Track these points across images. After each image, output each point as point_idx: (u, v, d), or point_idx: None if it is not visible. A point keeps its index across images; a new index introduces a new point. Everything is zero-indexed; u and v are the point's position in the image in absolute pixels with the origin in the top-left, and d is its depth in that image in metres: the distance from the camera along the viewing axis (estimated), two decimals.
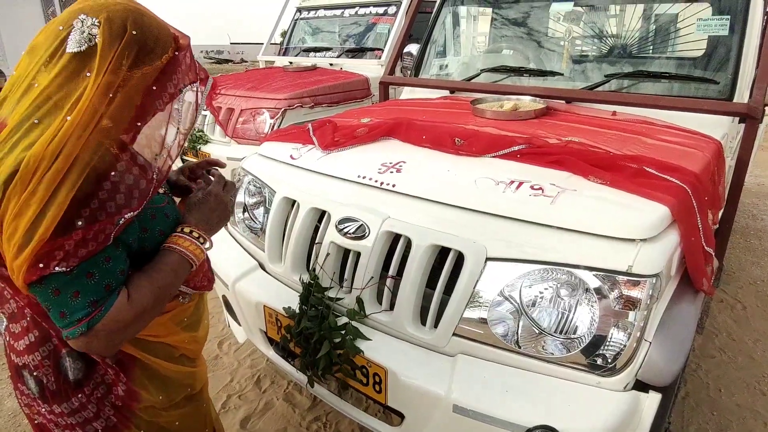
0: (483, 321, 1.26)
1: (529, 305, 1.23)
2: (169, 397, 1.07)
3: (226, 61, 31.19)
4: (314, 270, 1.53)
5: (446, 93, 2.59)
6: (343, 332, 1.40)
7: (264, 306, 1.62)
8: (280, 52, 5.61)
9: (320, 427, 2.04)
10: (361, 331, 1.40)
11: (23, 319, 0.93)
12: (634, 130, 1.78)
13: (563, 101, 2.15)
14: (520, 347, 1.24)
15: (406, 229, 1.38)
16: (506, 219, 1.30)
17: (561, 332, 1.20)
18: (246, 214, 1.94)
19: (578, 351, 1.18)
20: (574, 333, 1.18)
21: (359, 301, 1.43)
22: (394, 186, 1.48)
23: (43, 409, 0.98)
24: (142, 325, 0.89)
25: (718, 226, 1.82)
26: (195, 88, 0.92)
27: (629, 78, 2.14)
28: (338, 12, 5.26)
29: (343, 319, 1.43)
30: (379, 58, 4.55)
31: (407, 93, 2.84)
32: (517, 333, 1.24)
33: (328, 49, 5.13)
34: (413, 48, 2.89)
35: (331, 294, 1.49)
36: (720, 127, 1.87)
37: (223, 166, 1.24)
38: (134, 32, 0.80)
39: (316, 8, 5.47)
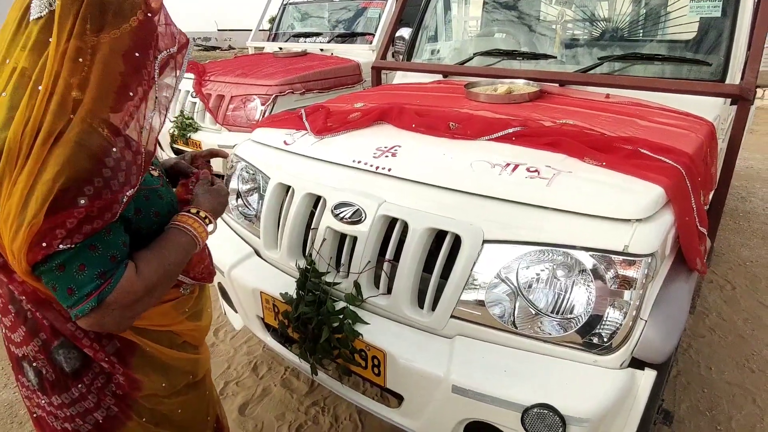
0: (480, 303, 1.27)
1: (526, 286, 1.24)
2: (171, 383, 1.07)
3: (214, 48, 30.70)
4: (310, 255, 1.53)
5: (439, 77, 2.57)
6: (341, 317, 1.40)
7: (261, 292, 1.61)
8: (270, 38, 5.53)
9: (318, 411, 2.05)
10: (359, 315, 1.40)
11: (10, 314, 0.93)
12: (627, 112, 1.79)
13: (556, 84, 2.15)
14: (517, 328, 1.25)
15: (403, 213, 1.38)
16: (503, 201, 1.30)
17: (558, 312, 1.21)
18: (240, 201, 1.92)
19: (575, 330, 1.19)
20: (571, 313, 1.20)
21: (357, 285, 1.44)
22: (389, 170, 1.48)
23: (43, 401, 0.97)
24: (152, 301, 0.89)
25: (709, 206, 1.84)
26: (172, 52, 0.88)
27: (622, 60, 2.14)
28: None
29: (341, 304, 1.44)
30: (370, 43, 4.51)
31: (399, 78, 2.82)
32: (515, 314, 1.25)
33: (318, 35, 5.07)
34: (405, 32, 2.86)
35: (328, 279, 1.48)
36: (712, 109, 1.88)
37: (225, 156, 1.25)
38: None
39: None
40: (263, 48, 5.33)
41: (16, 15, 0.77)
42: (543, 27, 2.61)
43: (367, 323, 1.39)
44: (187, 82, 3.99)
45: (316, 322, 1.41)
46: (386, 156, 1.52)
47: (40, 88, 0.73)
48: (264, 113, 3.64)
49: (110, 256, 0.78)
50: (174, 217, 0.96)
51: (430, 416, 1.31)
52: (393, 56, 3.14)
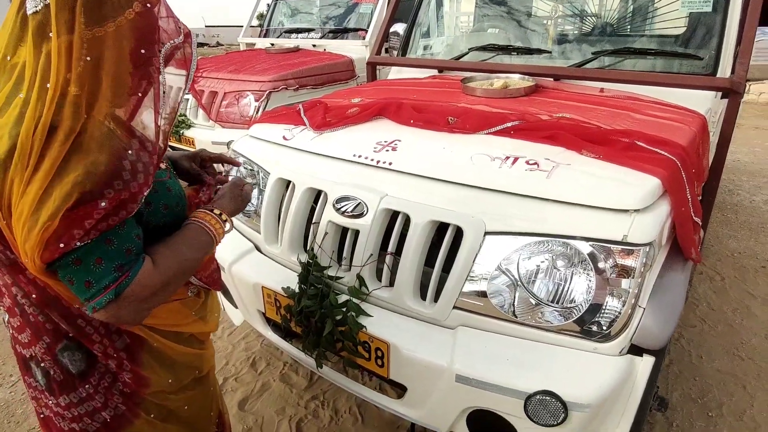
0: (482, 294, 1.29)
1: (527, 276, 1.26)
2: (178, 379, 1.07)
3: (201, 44, 30.41)
4: (312, 249, 1.54)
5: (434, 72, 2.59)
6: (344, 309, 1.41)
7: (262, 287, 1.62)
8: (261, 34, 5.50)
9: (318, 405, 2.07)
10: (362, 308, 1.41)
11: (17, 316, 0.92)
12: (622, 105, 1.82)
13: (551, 79, 2.18)
14: (519, 317, 1.27)
15: (405, 206, 1.39)
16: (503, 194, 1.32)
17: (558, 302, 1.24)
18: None
19: (576, 319, 1.22)
20: (572, 302, 1.22)
21: (360, 278, 1.45)
22: (390, 164, 1.49)
23: (50, 402, 0.97)
24: (166, 296, 0.89)
25: (702, 197, 1.88)
26: (177, 43, 0.87)
27: (616, 55, 2.17)
28: None
29: (344, 297, 1.45)
30: (363, 38, 4.50)
31: (394, 73, 2.83)
32: (516, 304, 1.27)
33: (310, 30, 5.05)
34: (400, 28, 2.87)
35: (331, 272, 1.50)
36: (704, 103, 1.92)
37: (238, 165, 1.26)
38: None
39: None
40: (254, 44, 5.30)
41: (14, 10, 0.76)
42: (537, 22, 2.64)
43: (370, 315, 1.41)
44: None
45: (319, 315, 1.43)
46: (387, 150, 1.54)
47: (48, 85, 0.73)
48: (258, 109, 3.63)
49: (126, 249, 0.79)
50: (194, 213, 0.97)
51: (433, 406, 1.33)
52: (387, 52, 3.15)
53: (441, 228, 1.37)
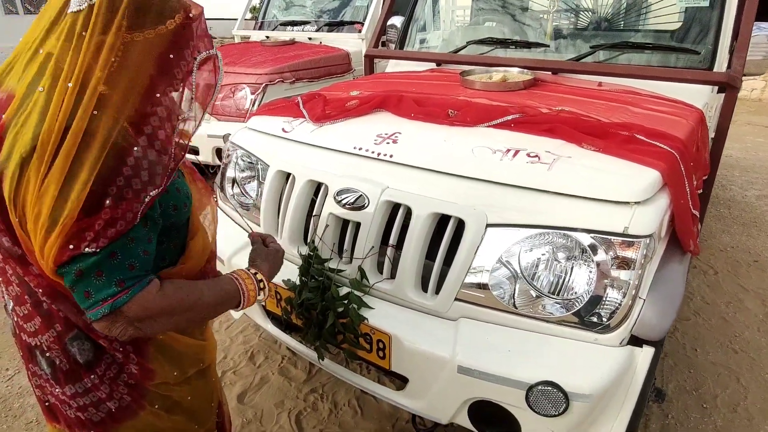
0: (484, 285, 1.30)
1: (529, 268, 1.27)
2: (183, 371, 1.07)
3: None
4: (313, 242, 1.53)
5: (432, 66, 2.58)
6: (345, 302, 1.41)
7: None
8: (256, 27, 5.46)
9: (317, 398, 2.07)
10: (363, 300, 1.42)
11: (26, 304, 0.92)
12: (621, 99, 1.83)
13: (549, 72, 2.18)
14: (520, 309, 1.28)
15: (406, 198, 1.39)
16: (505, 186, 1.32)
17: (559, 293, 1.25)
18: (237, 190, 1.92)
19: (577, 310, 1.23)
20: (573, 293, 1.23)
21: (361, 270, 1.45)
22: (391, 156, 1.49)
23: (56, 390, 0.97)
24: (168, 327, 0.88)
25: (701, 191, 1.90)
26: (211, 54, 0.88)
27: (614, 49, 2.18)
28: None
29: (345, 289, 1.45)
30: (359, 31, 4.48)
31: (392, 66, 2.82)
32: (517, 295, 1.28)
33: (305, 23, 5.01)
34: (397, 20, 2.86)
35: (332, 265, 1.50)
36: (701, 97, 1.93)
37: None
38: None
39: None
40: (249, 37, 5.26)
41: (56, 6, 0.77)
42: (535, 16, 2.64)
43: (372, 308, 1.41)
44: None
45: (321, 307, 1.43)
46: (387, 142, 1.53)
47: (69, 84, 0.73)
48: (254, 102, 3.60)
49: (128, 265, 0.78)
50: (235, 270, 0.98)
51: (435, 397, 1.33)
52: (384, 45, 3.14)
53: (441, 220, 1.37)
